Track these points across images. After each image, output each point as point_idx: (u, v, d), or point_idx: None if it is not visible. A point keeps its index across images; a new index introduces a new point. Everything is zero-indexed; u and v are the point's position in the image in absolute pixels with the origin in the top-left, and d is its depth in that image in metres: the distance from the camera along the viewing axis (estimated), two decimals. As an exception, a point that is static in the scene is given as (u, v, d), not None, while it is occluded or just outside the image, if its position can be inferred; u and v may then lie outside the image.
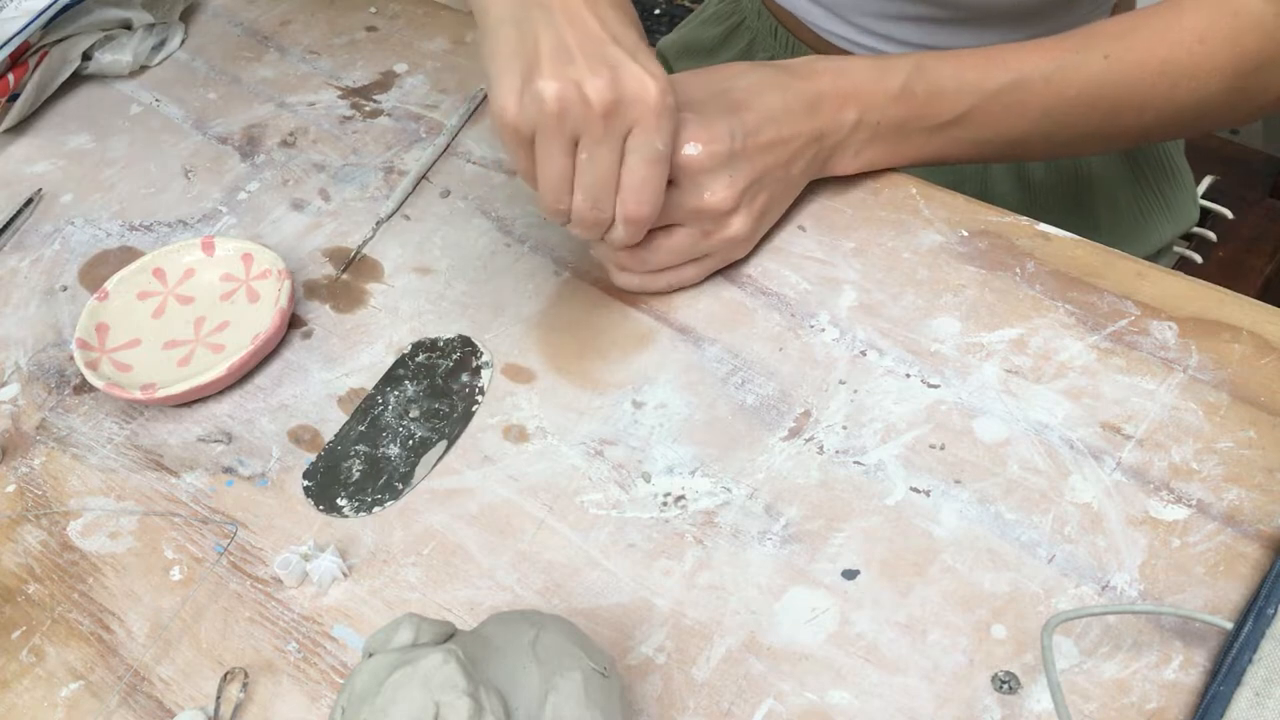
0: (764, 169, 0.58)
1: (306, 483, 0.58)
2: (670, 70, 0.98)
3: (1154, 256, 0.86)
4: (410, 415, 0.60)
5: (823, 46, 0.81)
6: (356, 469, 0.58)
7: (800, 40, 0.83)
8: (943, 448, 0.54)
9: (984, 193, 0.80)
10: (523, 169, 0.53)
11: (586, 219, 0.54)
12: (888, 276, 0.61)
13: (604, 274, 0.64)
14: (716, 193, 0.56)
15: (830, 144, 0.60)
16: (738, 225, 0.58)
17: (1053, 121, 0.60)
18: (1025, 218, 0.63)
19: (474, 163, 0.73)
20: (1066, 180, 0.81)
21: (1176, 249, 0.95)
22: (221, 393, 0.62)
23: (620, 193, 0.53)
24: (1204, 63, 0.58)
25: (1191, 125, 0.63)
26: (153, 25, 0.86)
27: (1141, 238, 0.84)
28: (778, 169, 0.58)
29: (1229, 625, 0.44)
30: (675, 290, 0.62)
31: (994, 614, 0.48)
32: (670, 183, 0.55)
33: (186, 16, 0.90)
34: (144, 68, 0.86)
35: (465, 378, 0.61)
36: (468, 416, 0.59)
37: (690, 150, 0.55)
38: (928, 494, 0.52)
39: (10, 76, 0.80)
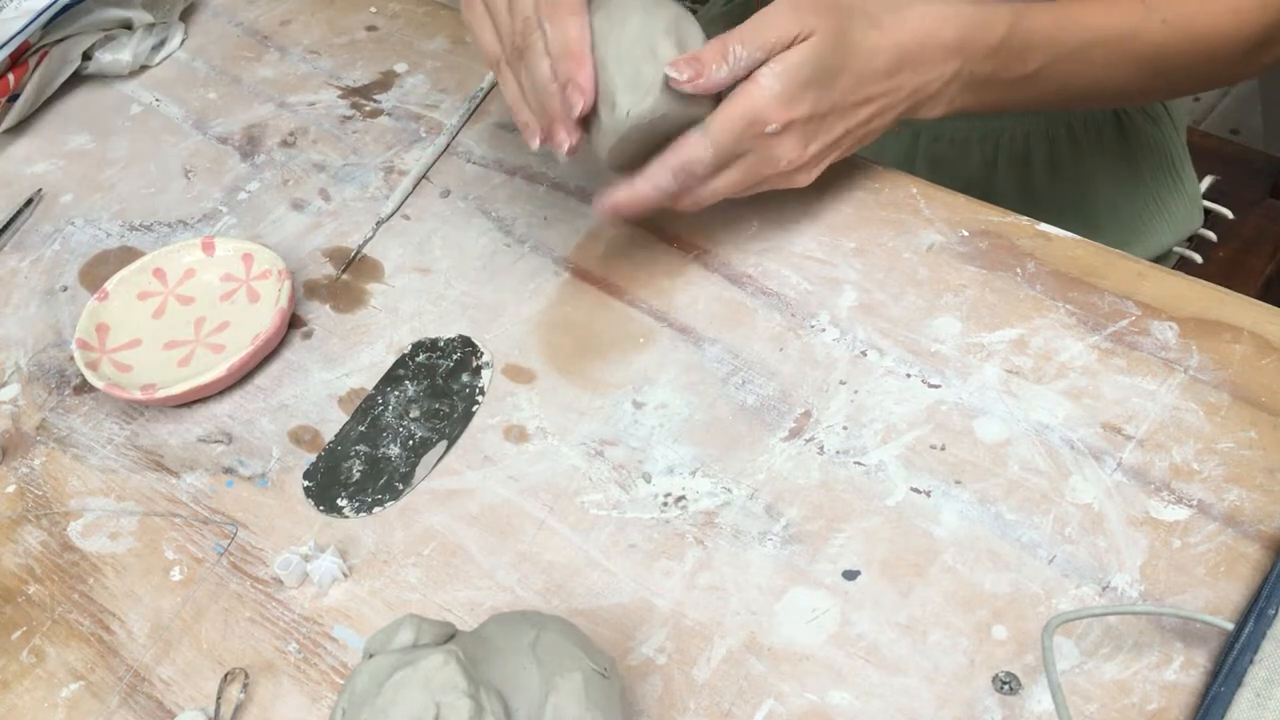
0: (845, 129, 0.57)
1: (307, 483, 0.58)
2: None
3: (1154, 260, 0.86)
4: (410, 415, 0.60)
5: None
6: (357, 469, 0.58)
7: None
8: (943, 448, 0.54)
9: (988, 196, 0.80)
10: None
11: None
12: (888, 276, 0.61)
13: (603, 274, 0.64)
14: (792, 160, 0.57)
15: (925, 95, 0.59)
16: (802, 180, 0.59)
17: (1108, 78, 0.63)
18: (1026, 218, 0.63)
19: (474, 163, 0.73)
20: (1069, 187, 0.81)
21: (1176, 249, 0.94)
22: (221, 393, 0.62)
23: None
24: (1236, 33, 0.62)
25: (1205, 88, 0.68)
26: (153, 25, 0.86)
27: (1142, 243, 0.84)
28: (860, 125, 0.58)
29: (1230, 626, 0.44)
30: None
31: (994, 615, 0.48)
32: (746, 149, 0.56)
33: (186, 16, 0.90)
34: (144, 68, 0.86)
35: (465, 378, 0.61)
36: (468, 417, 0.59)
37: (771, 130, 0.55)
38: (928, 494, 0.52)
39: (10, 76, 0.79)
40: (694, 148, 0.55)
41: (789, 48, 0.54)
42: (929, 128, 0.80)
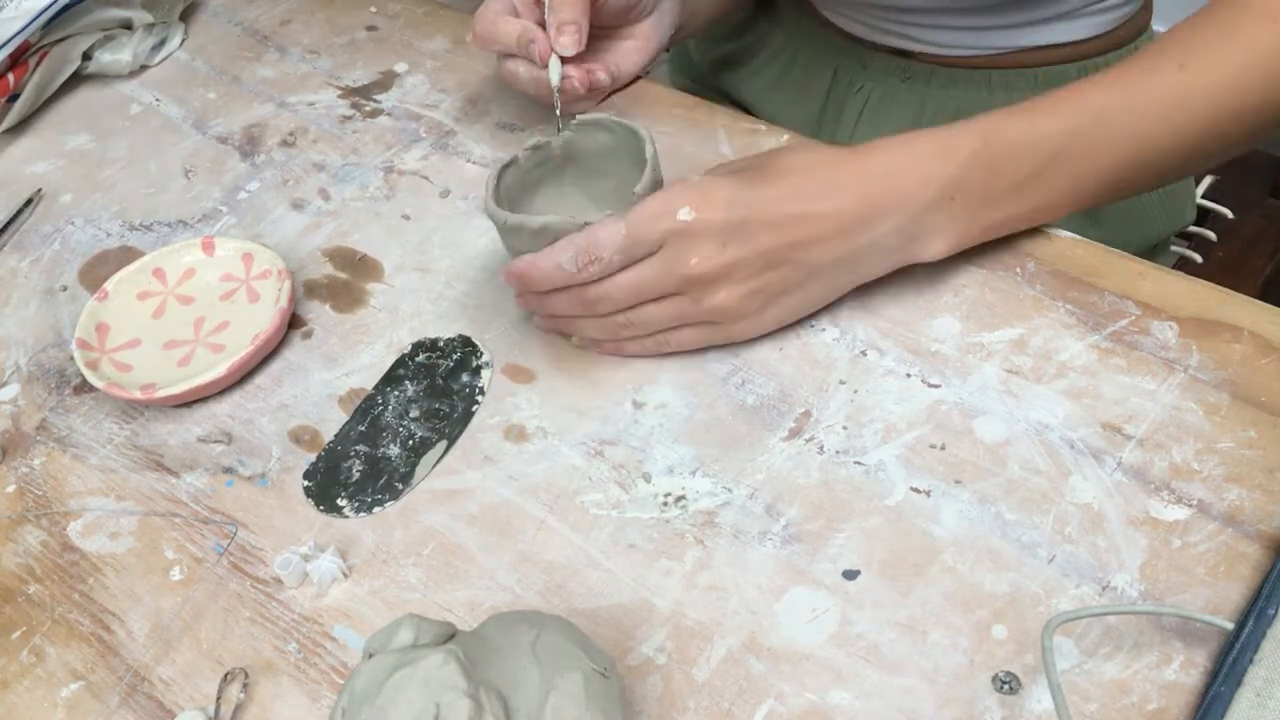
0: (770, 246, 0.54)
1: (306, 483, 0.58)
2: (690, 48, 0.98)
3: (1150, 252, 0.87)
4: (410, 415, 0.60)
5: (843, 31, 0.82)
6: (356, 469, 0.58)
7: (819, 23, 0.84)
8: (943, 448, 0.54)
9: None
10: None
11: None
12: (888, 276, 0.61)
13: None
14: (703, 259, 0.53)
15: (913, 230, 0.55)
16: (724, 296, 0.55)
17: (1147, 148, 0.56)
18: (1026, 218, 0.63)
19: (474, 163, 0.73)
20: None
21: (1176, 249, 0.94)
22: (221, 393, 0.62)
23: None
24: (1263, 78, 0.55)
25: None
26: (153, 25, 0.86)
27: (1140, 230, 0.84)
28: (793, 250, 0.54)
29: (1230, 626, 0.44)
30: (672, 352, 0.59)
31: (994, 614, 0.48)
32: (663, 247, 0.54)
33: (186, 16, 0.90)
34: (144, 67, 0.86)
35: (465, 378, 0.61)
36: (468, 416, 0.59)
37: (683, 215, 0.53)
38: (928, 494, 0.52)
39: (10, 76, 0.80)
40: (605, 227, 0.53)
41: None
42: (933, 98, 0.80)
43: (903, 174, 0.54)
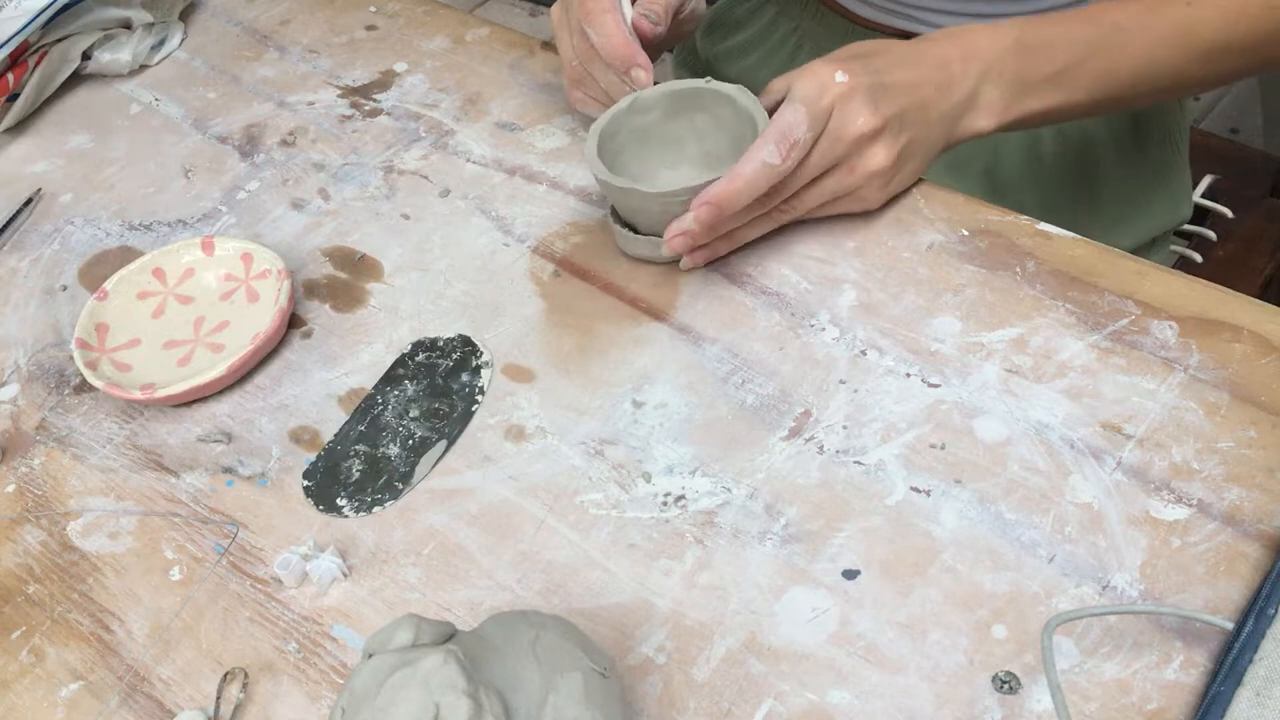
0: (903, 106, 0.60)
1: (306, 483, 0.58)
2: (695, 44, 0.98)
3: (1147, 247, 0.87)
4: (410, 415, 0.60)
5: (851, 15, 0.83)
6: (356, 469, 0.58)
7: (827, 6, 0.84)
8: (943, 447, 0.54)
9: (995, 166, 0.81)
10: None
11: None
12: (888, 276, 0.61)
13: (603, 274, 0.64)
14: (866, 118, 0.58)
15: (960, 97, 0.62)
16: (880, 156, 0.60)
17: (1157, 67, 0.64)
18: (1025, 217, 0.63)
19: (474, 162, 0.73)
20: (1074, 157, 0.82)
21: (1176, 248, 0.94)
22: (221, 393, 0.62)
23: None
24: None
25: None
26: (152, 24, 0.86)
27: (1138, 223, 0.85)
28: (915, 110, 0.60)
29: (1230, 625, 0.44)
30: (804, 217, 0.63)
31: (994, 614, 0.48)
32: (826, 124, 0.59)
33: (186, 16, 0.90)
34: (144, 67, 0.86)
35: (465, 377, 0.61)
36: (468, 416, 0.59)
37: (840, 78, 0.58)
38: (928, 494, 0.52)
39: (10, 76, 0.79)
40: (784, 114, 0.57)
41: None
42: None
43: (964, 54, 0.62)
